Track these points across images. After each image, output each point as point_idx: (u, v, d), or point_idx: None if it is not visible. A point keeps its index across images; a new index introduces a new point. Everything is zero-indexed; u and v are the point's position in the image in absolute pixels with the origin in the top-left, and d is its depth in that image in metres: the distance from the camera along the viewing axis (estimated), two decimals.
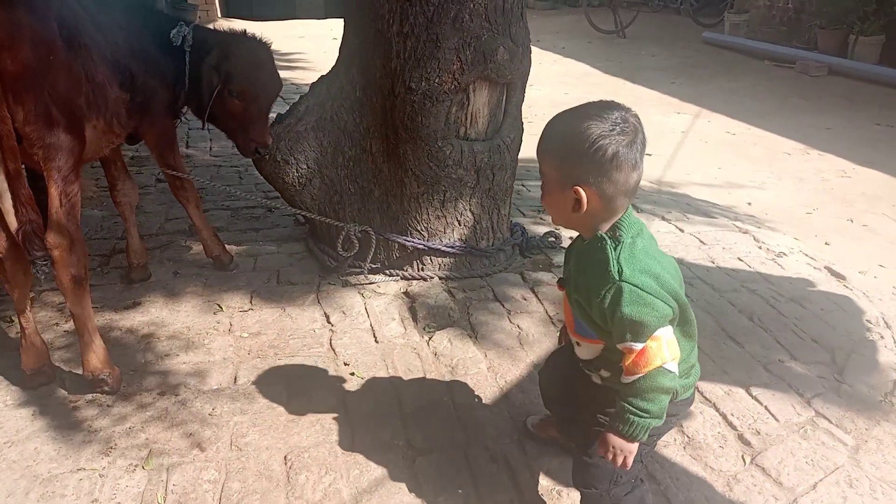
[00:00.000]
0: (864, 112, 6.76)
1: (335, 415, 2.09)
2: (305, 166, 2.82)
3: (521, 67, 2.70)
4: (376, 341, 2.48)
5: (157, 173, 4.00)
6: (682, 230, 3.54)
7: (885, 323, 2.70)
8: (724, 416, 2.12)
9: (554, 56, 9.50)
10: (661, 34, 11.29)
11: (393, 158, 2.74)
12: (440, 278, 2.89)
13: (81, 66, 2.00)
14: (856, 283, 3.06)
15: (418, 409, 2.13)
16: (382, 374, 2.31)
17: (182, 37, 2.50)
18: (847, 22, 8.57)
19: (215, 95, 2.55)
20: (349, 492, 1.81)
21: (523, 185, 4.16)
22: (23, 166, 1.90)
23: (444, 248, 2.83)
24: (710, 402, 2.19)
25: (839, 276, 3.09)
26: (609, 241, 1.36)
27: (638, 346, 1.33)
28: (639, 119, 1.34)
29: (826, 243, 3.87)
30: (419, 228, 2.82)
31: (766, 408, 2.16)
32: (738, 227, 3.68)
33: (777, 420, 2.11)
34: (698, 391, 2.21)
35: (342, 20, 2.89)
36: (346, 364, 2.35)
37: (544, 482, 1.87)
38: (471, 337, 2.52)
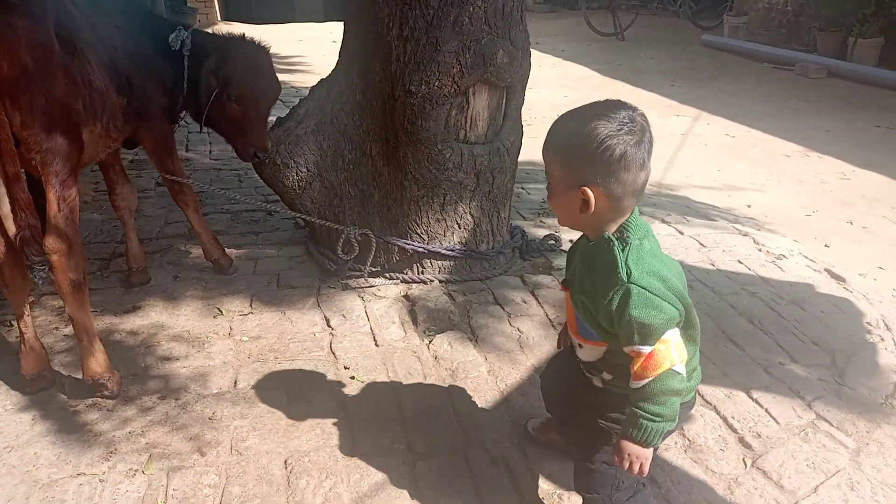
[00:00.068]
0: (864, 114, 6.77)
1: (335, 419, 2.09)
2: (305, 170, 2.82)
3: (521, 71, 2.71)
4: (376, 345, 2.48)
5: (156, 177, 4.00)
6: (681, 233, 3.54)
7: (886, 325, 2.70)
8: (725, 419, 2.12)
9: (553, 59, 9.52)
10: (660, 37, 11.31)
11: (393, 162, 2.74)
12: (440, 281, 2.89)
13: (78, 70, 2.00)
14: (856, 285, 3.06)
15: (419, 412, 2.13)
16: (383, 377, 2.30)
17: (180, 41, 2.51)
18: (846, 24, 8.59)
19: (214, 100, 2.56)
20: (350, 496, 1.81)
21: (523, 188, 4.16)
22: (22, 171, 1.90)
23: (444, 252, 2.83)
24: (711, 404, 2.19)
25: (839, 279, 3.09)
26: (616, 243, 1.35)
27: (646, 350, 1.32)
28: (645, 118, 1.33)
29: (826, 245, 3.87)
30: (419, 232, 2.82)
31: (766, 410, 2.16)
32: (737, 229, 3.68)
33: (778, 423, 2.11)
34: (699, 394, 2.21)
35: (342, 23, 2.89)
36: (346, 368, 2.34)
37: (545, 486, 1.87)
38: (471, 340, 2.52)
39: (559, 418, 1.85)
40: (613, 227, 1.38)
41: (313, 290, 2.85)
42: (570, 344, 1.63)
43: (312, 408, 2.14)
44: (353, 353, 2.42)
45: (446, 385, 2.27)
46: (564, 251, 3.14)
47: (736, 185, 4.88)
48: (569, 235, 3.23)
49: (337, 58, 2.87)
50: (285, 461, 1.92)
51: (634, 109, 1.32)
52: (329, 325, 2.59)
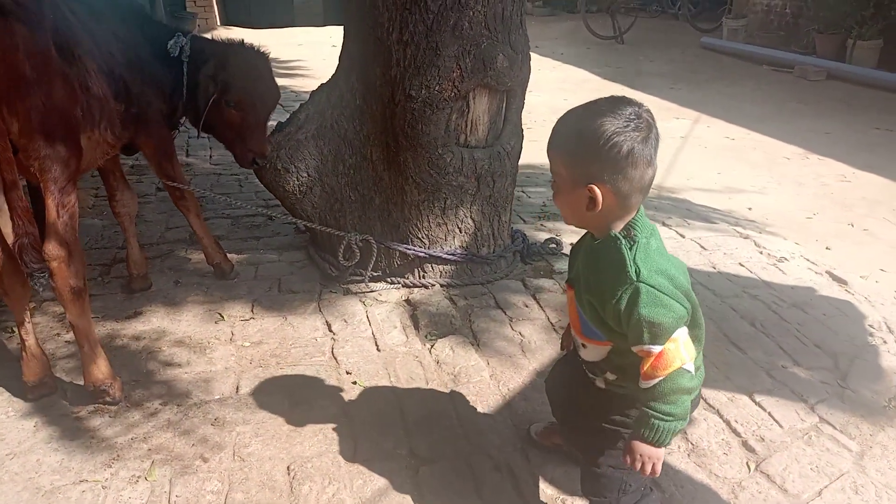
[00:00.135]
0: (863, 116, 6.77)
1: (338, 424, 2.09)
2: (306, 174, 2.82)
3: (521, 74, 2.71)
4: (378, 350, 2.48)
5: (156, 182, 4.00)
6: (682, 236, 3.53)
7: (888, 328, 2.70)
8: (728, 423, 2.12)
9: (553, 62, 9.53)
10: (659, 40, 11.33)
11: (393, 166, 2.74)
12: (441, 286, 2.89)
13: (76, 76, 2.00)
14: (857, 287, 3.06)
15: (421, 418, 2.13)
16: (385, 382, 2.30)
17: (179, 47, 2.51)
18: (845, 26, 8.60)
19: (213, 106, 2.56)
20: (353, 502, 1.80)
21: (524, 192, 4.16)
22: (20, 178, 1.89)
23: (445, 256, 2.83)
24: (714, 408, 2.18)
25: (841, 281, 3.09)
26: (624, 241, 1.34)
27: (657, 349, 1.31)
28: (651, 114, 1.32)
29: (827, 248, 3.87)
30: (420, 236, 2.82)
31: (769, 414, 2.16)
32: (738, 232, 3.68)
33: (781, 426, 2.11)
34: (701, 397, 2.21)
35: (342, 28, 2.89)
36: (348, 373, 2.34)
37: (549, 491, 1.86)
38: (473, 345, 2.51)
39: (563, 423, 1.85)
40: (620, 226, 1.36)
41: (314, 294, 2.85)
42: (573, 346, 1.62)
43: (314, 413, 2.13)
44: (354, 358, 2.42)
45: (448, 390, 2.26)
46: (565, 255, 3.14)
47: (736, 188, 4.88)
48: (570, 239, 3.23)
49: (337, 62, 2.87)
50: (288, 467, 1.91)
51: (640, 106, 1.31)
52: (330, 330, 2.59)
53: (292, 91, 6.79)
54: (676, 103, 7.24)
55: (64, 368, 2.33)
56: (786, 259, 3.31)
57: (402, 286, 2.89)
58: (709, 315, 2.72)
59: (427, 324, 2.63)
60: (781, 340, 2.57)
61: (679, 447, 2.01)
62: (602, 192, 1.31)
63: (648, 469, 1.38)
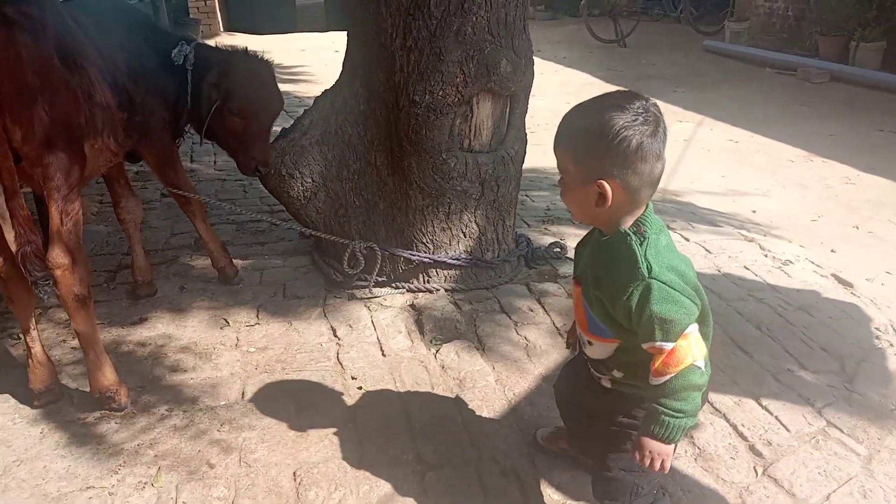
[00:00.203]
0: (867, 118, 6.76)
1: (344, 430, 2.09)
2: (310, 180, 2.82)
3: (524, 79, 2.71)
4: (383, 355, 2.48)
5: (161, 188, 4.01)
6: (687, 239, 3.53)
7: (894, 330, 2.69)
8: (735, 427, 2.11)
9: (555, 66, 9.54)
10: (661, 43, 11.33)
11: (397, 171, 2.75)
12: (446, 290, 2.89)
13: (79, 85, 2.00)
14: (863, 290, 3.05)
15: (427, 423, 2.13)
16: (390, 387, 2.30)
17: (183, 56, 2.52)
18: (848, 28, 8.60)
19: (216, 113, 2.56)
20: None
21: (527, 196, 4.16)
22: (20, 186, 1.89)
23: (449, 261, 2.83)
24: (721, 412, 2.17)
25: (846, 284, 3.08)
26: (634, 237, 1.32)
27: (668, 346, 1.30)
28: (658, 108, 1.31)
29: (832, 251, 3.86)
30: (424, 241, 2.82)
31: (776, 418, 2.15)
32: (743, 235, 3.68)
33: (788, 430, 2.10)
34: (708, 402, 2.20)
35: (344, 33, 2.90)
36: (353, 378, 2.34)
37: (555, 496, 1.86)
38: (478, 349, 2.51)
39: (571, 430, 1.84)
40: (630, 221, 1.35)
41: (319, 300, 2.85)
42: (579, 345, 1.61)
43: (320, 418, 2.13)
44: (360, 364, 2.42)
45: (454, 395, 2.26)
46: (570, 259, 3.13)
47: (740, 191, 4.87)
48: (574, 243, 3.22)
49: (341, 68, 2.88)
50: (294, 473, 1.91)
51: (647, 99, 1.30)
52: (336, 336, 2.59)
53: (295, 96, 6.81)
54: (679, 106, 7.24)
55: (70, 375, 2.34)
56: (791, 262, 3.30)
57: (407, 291, 2.89)
58: (714, 319, 2.67)
59: (432, 328, 2.63)
60: (787, 344, 2.56)
61: (686, 452, 2.01)
62: (612, 188, 1.29)
63: (657, 465, 1.37)
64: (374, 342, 2.55)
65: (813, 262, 3.34)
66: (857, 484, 1.89)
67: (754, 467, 1.95)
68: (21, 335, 2.21)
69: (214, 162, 4.80)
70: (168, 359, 2.44)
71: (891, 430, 2.11)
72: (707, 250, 3.40)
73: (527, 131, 2.94)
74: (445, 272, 2.89)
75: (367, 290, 2.86)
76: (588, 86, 8.40)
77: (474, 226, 2.85)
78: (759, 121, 6.69)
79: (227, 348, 2.50)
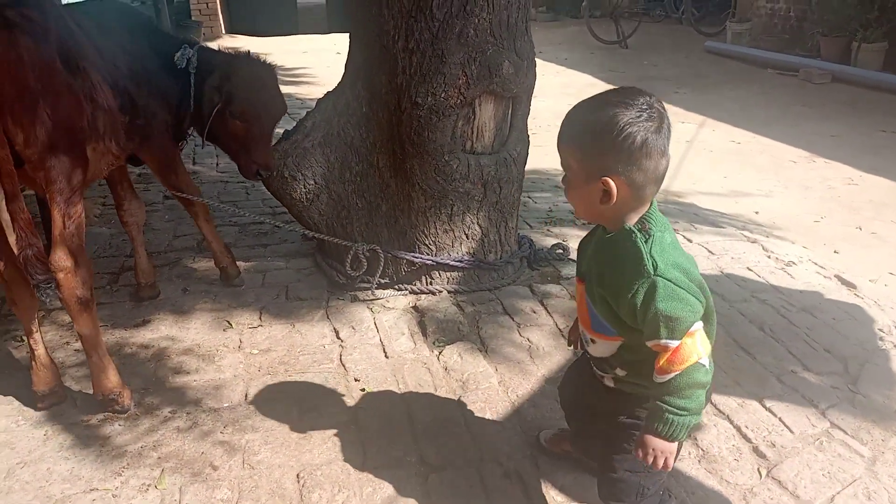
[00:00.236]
0: (869, 119, 6.76)
1: (347, 431, 2.09)
2: (313, 182, 2.83)
3: (527, 81, 2.71)
4: (386, 356, 2.48)
5: (164, 191, 4.02)
6: (689, 240, 3.53)
7: None
8: (739, 429, 2.11)
9: (557, 67, 9.54)
10: (663, 44, 11.33)
11: (400, 173, 2.75)
12: (449, 292, 2.89)
13: (82, 88, 2.00)
14: (866, 291, 3.05)
15: (430, 424, 2.12)
16: (393, 389, 2.30)
17: (186, 59, 2.52)
18: (849, 29, 8.59)
19: (218, 116, 2.56)
20: None
21: (530, 198, 4.16)
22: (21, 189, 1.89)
23: (452, 263, 2.83)
24: (724, 414, 2.17)
25: (849, 285, 3.08)
26: (640, 234, 1.32)
27: (673, 344, 1.29)
28: (662, 104, 1.30)
29: (835, 251, 3.85)
30: (427, 243, 2.82)
31: (780, 419, 2.15)
32: (746, 236, 3.67)
33: (792, 432, 2.09)
34: (711, 403, 2.20)
35: (346, 35, 2.91)
36: (356, 380, 2.34)
37: (559, 498, 1.86)
38: (481, 351, 2.51)
39: (576, 429, 1.84)
40: (635, 218, 1.35)
41: (322, 301, 2.85)
42: (582, 343, 1.60)
43: (323, 420, 2.13)
44: (362, 365, 2.42)
45: (457, 396, 2.26)
46: (573, 260, 3.13)
47: (743, 192, 4.87)
48: (577, 244, 3.22)
49: (343, 70, 2.88)
50: (297, 475, 1.91)
51: (651, 95, 1.29)
52: (338, 338, 2.59)
53: (297, 98, 6.82)
54: (681, 107, 7.23)
55: (74, 377, 2.34)
56: (794, 263, 3.30)
57: (410, 293, 2.89)
58: (717, 320, 2.69)
59: (435, 330, 2.63)
60: (791, 345, 2.56)
61: (690, 453, 2.00)
62: (616, 185, 1.29)
63: (660, 463, 1.36)
64: (376, 344, 2.55)
65: (816, 264, 3.34)
66: (861, 486, 1.89)
67: (758, 469, 1.95)
68: (24, 337, 2.22)
69: (217, 164, 4.80)
70: (171, 361, 2.44)
71: (895, 432, 2.10)
72: (710, 251, 3.39)
73: (528, 133, 2.94)
74: (448, 274, 2.89)
75: (370, 291, 2.86)
76: (589, 87, 8.40)
77: (477, 227, 2.85)
78: (761, 122, 6.68)
79: (230, 350, 2.50)
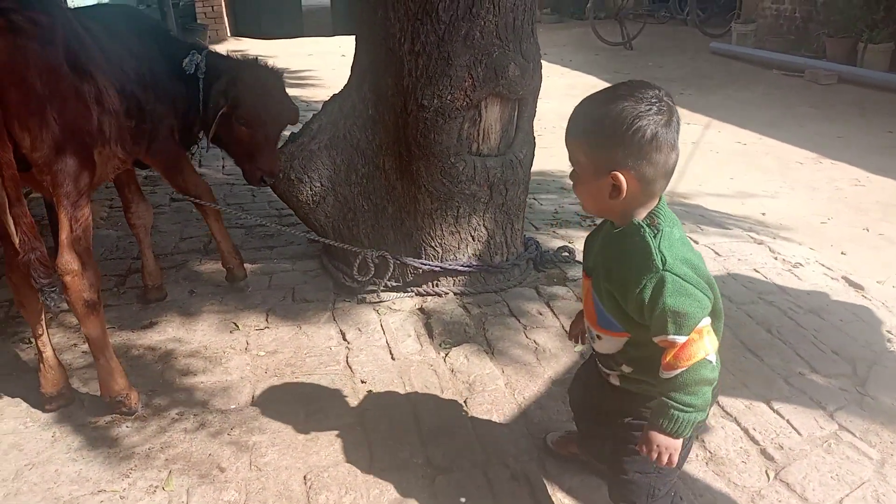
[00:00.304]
0: (875, 120, 6.73)
1: (353, 433, 2.09)
2: (319, 184, 2.83)
3: (533, 83, 2.72)
4: (393, 358, 2.48)
5: (170, 193, 4.04)
6: (696, 242, 3.52)
7: None
8: (746, 431, 2.10)
9: (561, 69, 9.54)
10: (668, 45, 11.31)
11: (406, 175, 2.75)
12: (455, 294, 2.89)
13: (89, 92, 2.01)
14: (874, 292, 3.03)
15: (436, 426, 2.12)
16: (399, 391, 2.30)
17: (195, 65, 2.52)
18: (855, 30, 8.56)
19: (224, 121, 2.57)
20: None
21: (535, 200, 4.16)
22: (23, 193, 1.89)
23: (460, 268, 2.83)
24: (732, 416, 2.16)
25: (857, 286, 3.07)
26: (648, 229, 1.31)
27: (681, 340, 1.28)
28: (671, 98, 1.29)
29: (842, 253, 3.84)
30: (433, 245, 2.83)
31: (788, 422, 2.14)
32: (752, 237, 3.66)
33: (800, 434, 2.09)
34: (719, 405, 2.19)
35: (351, 38, 2.91)
36: (363, 382, 2.34)
37: (566, 500, 1.85)
38: (487, 353, 2.51)
39: (584, 431, 1.84)
40: (643, 213, 1.34)
41: (328, 304, 2.85)
42: (588, 339, 1.59)
43: (330, 422, 2.13)
44: (369, 367, 2.42)
45: (463, 398, 2.26)
46: (579, 262, 3.13)
47: (749, 193, 4.86)
48: (582, 246, 3.22)
49: (349, 73, 2.89)
50: (304, 476, 1.91)
51: (660, 89, 1.28)
52: (345, 339, 2.60)
53: (303, 101, 6.82)
54: (687, 109, 7.21)
55: (81, 379, 2.35)
56: (801, 264, 3.28)
57: (416, 294, 2.90)
58: (724, 321, 2.70)
59: (441, 332, 2.63)
60: (798, 347, 2.55)
61: (697, 455, 2.00)
62: (626, 179, 1.28)
63: (664, 459, 1.35)
64: (383, 346, 2.56)
65: (823, 265, 3.33)
66: (869, 488, 1.88)
67: (766, 471, 1.94)
68: (32, 339, 2.22)
69: (223, 167, 4.82)
70: (178, 362, 2.45)
71: None
72: (716, 253, 3.38)
73: (534, 135, 2.94)
74: (454, 276, 2.89)
75: (376, 293, 2.86)
76: (594, 89, 8.24)
77: (483, 229, 2.85)
78: (767, 123, 6.67)
79: (236, 352, 2.51)
